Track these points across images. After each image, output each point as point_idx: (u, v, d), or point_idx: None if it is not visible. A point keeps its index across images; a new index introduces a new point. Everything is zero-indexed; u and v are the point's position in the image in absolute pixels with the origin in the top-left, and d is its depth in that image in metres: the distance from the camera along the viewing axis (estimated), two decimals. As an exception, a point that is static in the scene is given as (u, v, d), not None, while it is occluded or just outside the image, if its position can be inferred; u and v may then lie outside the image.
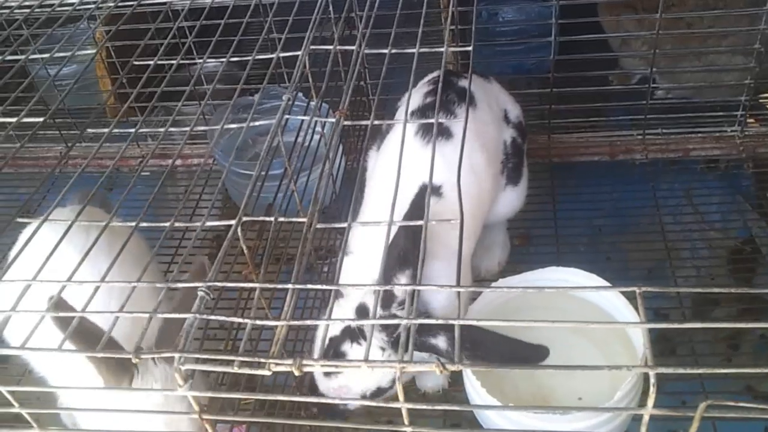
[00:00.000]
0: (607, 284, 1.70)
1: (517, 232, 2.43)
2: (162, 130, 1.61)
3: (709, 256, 2.46)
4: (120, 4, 2.06)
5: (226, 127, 1.56)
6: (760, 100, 2.78)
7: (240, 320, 1.04)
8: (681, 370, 0.88)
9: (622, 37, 2.73)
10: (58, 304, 1.18)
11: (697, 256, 2.45)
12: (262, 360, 0.97)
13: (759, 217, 2.56)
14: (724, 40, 2.51)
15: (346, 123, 1.48)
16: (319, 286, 1.04)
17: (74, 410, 1.44)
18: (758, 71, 2.37)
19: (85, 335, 1.20)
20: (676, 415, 0.89)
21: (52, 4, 2.06)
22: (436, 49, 1.65)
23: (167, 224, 1.29)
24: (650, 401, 0.90)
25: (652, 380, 0.89)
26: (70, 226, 1.32)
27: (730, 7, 2.43)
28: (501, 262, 2.27)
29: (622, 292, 1.69)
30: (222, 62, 1.85)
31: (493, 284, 1.81)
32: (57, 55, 1.79)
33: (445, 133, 1.82)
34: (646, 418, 0.92)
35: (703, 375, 1.92)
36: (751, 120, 2.72)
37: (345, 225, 1.22)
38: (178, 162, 2.84)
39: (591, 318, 1.73)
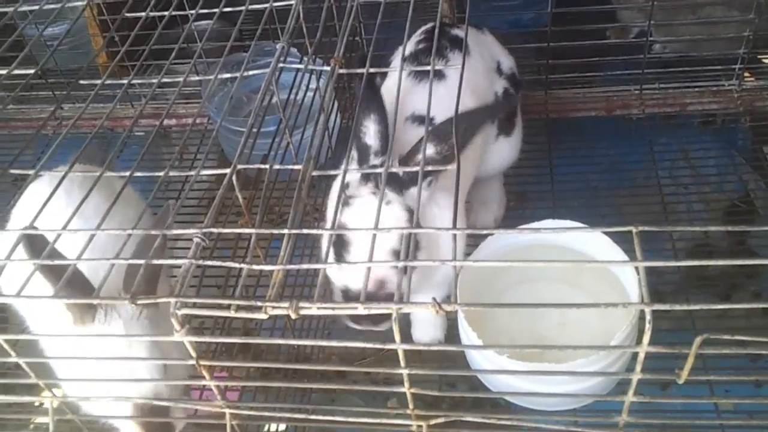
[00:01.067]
0: (602, 235, 1.70)
1: (513, 188, 2.42)
2: (153, 86, 1.59)
3: (705, 211, 2.47)
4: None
5: (219, 82, 1.55)
6: (758, 55, 2.76)
7: (236, 265, 1.04)
8: (677, 307, 0.88)
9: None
10: (50, 253, 1.18)
11: (692, 210, 2.45)
12: (259, 303, 0.97)
13: (754, 171, 2.55)
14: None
15: (341, 71, 1.47)
16: (315, 231, 1.04)
17: (74, 358, 1.45)
18: (757, 23, 2.34)
19: (70, 282, 1.21)
20: (672, 352, 0.89)
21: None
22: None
23: (161, 173, 1.28)
24: (646, 338, 0.90)
25: (648, 317, 0.90)
26: (63, 177, 1.31)
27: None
28: (497, 218, 2.27)
29: (620, 246, 1.69)
30: (215, 16, 1.81)
31: (489, 238, 1.81)
32: (46, 7, 1.76)
33: (437, 74, 1.82)
34: (641, 355, 0.93)
35: (697, 326, 1.94)
36: (748, 75, 2.70)
37: (340, 172, 1.22)
38: (173, 122, 2.82)
39: (588, 270, 1.74)
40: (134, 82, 1.65)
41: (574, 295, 1.86)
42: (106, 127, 2.84)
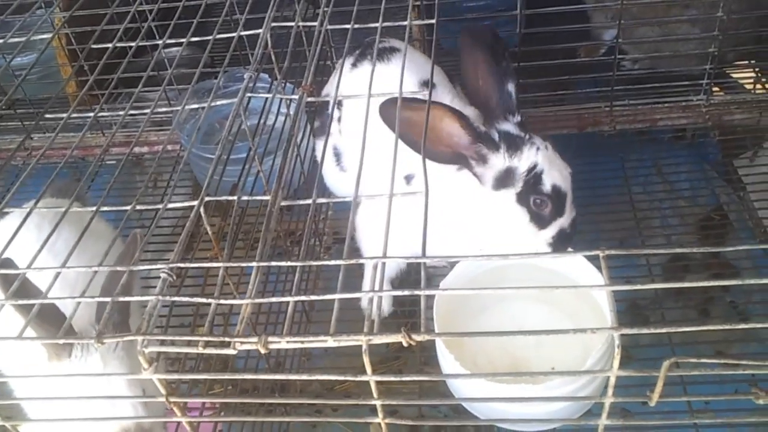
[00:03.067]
0: (575, 254, 1.71)
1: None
2: (123, 115, 1.57)
3: (679, 225, 2.49)
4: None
5: (190, 110, 1.54)
6: (725, 69, 2.80)
7: (204, 301, 1.03)
8: (645, 331, 0.88)
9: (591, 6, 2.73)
10: (19, 289, 1.16)
11: (667, 225, 2.47)
12: (227, 339, 0.96)
13: (726, 185, 2.59)
14: (686, 10, 2.52)
15: (309, 99, 1.47)
16: (283, 263, 1.03)
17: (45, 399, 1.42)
18: (721, 39, 2.38)
19: (43, 317, 1.19)
20: (641, 375, 0.89)
21: (5, -11, 2.01)
22: (399, 23, 1.64)
23: (128, 207, 1.27)
24: (615, 362, 0.90)
25: (617, 341, 0.89)
26: (28, 214, 1.30)
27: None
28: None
29: (595, 264, 1.70)
30: (184, 43, 1.81)
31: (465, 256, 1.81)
32: (12, 40, 1.75)
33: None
34: (612, 379, 0.93)
35: (673, 341, 1.95)
36: (717, 89, 2.74)
37: (309, 201, 1.21)
38: (145, 149, 2.80)
39: (563, 291, 1.74)
40: (104, 110, 1.64)
41: (551, 314, 1.86)
42: (76, 157, 2.82)
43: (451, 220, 1.77)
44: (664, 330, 0.88)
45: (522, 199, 1.70)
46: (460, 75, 1.89)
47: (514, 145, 1.70)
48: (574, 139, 2.62)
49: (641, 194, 2.50)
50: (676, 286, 0.80)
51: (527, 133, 1.74)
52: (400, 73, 1.38)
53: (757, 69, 2.75)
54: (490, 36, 1.78)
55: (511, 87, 1.77)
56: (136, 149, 2.79)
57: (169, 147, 2.74)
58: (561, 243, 1.73)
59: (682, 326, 0.90)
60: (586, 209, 2.45)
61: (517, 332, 0.95)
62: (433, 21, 1.65)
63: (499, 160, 1.70)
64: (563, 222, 1.74)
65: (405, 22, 1.61)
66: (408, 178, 1.80)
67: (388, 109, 1.50)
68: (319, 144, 2.17)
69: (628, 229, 2.33)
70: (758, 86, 2.70)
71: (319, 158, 2.08)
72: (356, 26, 1.65)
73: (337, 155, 2.09)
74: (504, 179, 1.70)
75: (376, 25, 1.61)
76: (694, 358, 0.82)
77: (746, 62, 2.78)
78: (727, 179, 2.59)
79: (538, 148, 1.71)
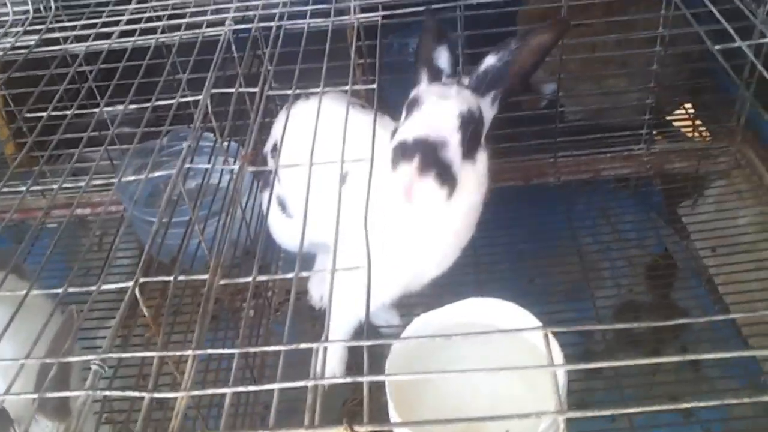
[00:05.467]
0: (526, 312, 1.71)
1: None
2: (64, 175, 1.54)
3: (629, 272, 2.52)
4: (10, 52, 1.97)
5: (134, 169, 1.51)
6: (667, 118, 2.88)
7: (137, 395, 0.98)
8: (589, 414, 0.87)
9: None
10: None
11: (616, 274, 2.50)
12: (160, 437, 0.91)
13: (672, 231, 2.64)
14: (623, 67, 2.60)
15: (250, 169, 1.45)
16: (221, 350, 0.99)
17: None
18: (658, 91, 2.45)
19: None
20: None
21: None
22: (340, 88, 1.64)
23: (60, 290, 1.22)
24: (561, 444, 0.89)
25: (561, 426, 0.88)
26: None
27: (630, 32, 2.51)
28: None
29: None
30: (125, 103, 1.78)
31: (414, 320, 1.79)
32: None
33: None
34: (559, 461, 0.91)
35: (624, 384, 1.95)
36: (659, 137, 2.81)
37: (249, 280, 1.17)
38: (88, 210, 2.72)
39: (515, 349, 1.72)
40: (47, 171, 1.60)
41: (505, 375, 1.85)
42: (16, 220, 2.72)
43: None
44: (606, 412, 0.87)
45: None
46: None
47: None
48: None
49: (590, 243, 2.53)
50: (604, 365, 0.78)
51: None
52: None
53: (694, 118, 2.84)
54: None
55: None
56: (79, 211, 2.72)
57: (113, 208, 2.68)
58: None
59: (627, 407, 0.89)
60: (537, 261, 2.48)
61: (457, 420, 0.93)
62: (374, 85, 1.65)
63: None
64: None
65: (346, 87, 1.62)
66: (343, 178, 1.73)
67: None
68: (264, 197, 2.15)
69: (578, 279, 2.35)
70: (696, 134, 2.79)
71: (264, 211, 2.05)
72: (297, 91, 1.65)
73: (282, 203, 2.07)
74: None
75: (317, 90, 1.61)
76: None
77: (683, 112, 2.87)
78: (672, 226, 2.65)
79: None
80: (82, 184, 2.63)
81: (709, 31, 1.80)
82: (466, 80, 1.68)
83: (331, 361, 1.99)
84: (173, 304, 1.32)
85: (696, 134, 2.78)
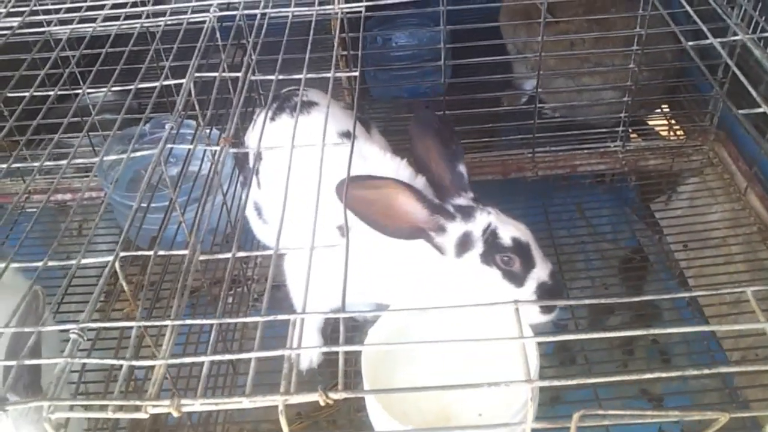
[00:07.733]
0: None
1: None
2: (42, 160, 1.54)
3: (602, 267, 2.57)
4: (-7, 33, 1.96)
5: (110, 158, 1.52)
6: (643, 117, 2.94)
7: (115, 362, 1.00)
8: (556, 383, 0.90)
9: (514, 54, 2.84)
10: None
11: (591, 267, 2.55)
12: (138, 403, 0.93)
13: (645, 227, 2.69)
14: (598, 65, 2.65)
15: (231, 150, 1.46)
16: (198, 321, 1.01)
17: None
18: (634, 89, 2.50)
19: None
20: (554, 427, 0.91)
21: None
22: (323, 75, 1.66)
23: (40, 264, 1.23)
24: (529, 416, 0.92)
25: (530, 394, 0.91)
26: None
27: (608, 29, 2.56)
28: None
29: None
30: (107, 89, 1.78)
31: (391, 307, 1.82)
32: None
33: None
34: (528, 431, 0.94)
35: (596, 383, 1.99)
36: (635, 135, 2.87)
37: (229, 255, 1.19)
38: (68, 196, 2.72)
39: (488, 332, 1.76)
40: (27, 156, 1.60)
41: (479, 361, 1.88)
42: (-5, 203, 2.72)
43: (417, 285, 1.80)
44: (573, 381, 0.90)
45: (486, 258, 1.71)
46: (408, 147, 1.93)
47: (467, 212, 1.73)
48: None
49: (566, 237, 2.57)
50: (569, 338, 0.82)
51: (478, 203, 1.79)
52: (323, 125, 1.39)
53: (669, 117, 2.90)
54: (437, 122, 1.82)
55: (461, 168, 1.80)
56: (59, 196, 2.72)
57: (94, 194, 2.68)
58: (547, 298, 1.73)
59: (599, 376, 0.92)
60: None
61: (431, 387, 0.96)
62: (356, 73, 1.67)
63: (456, 228, 1.72)
64: (540, 274, 1.73)
65: (329, 74, 1.64)
66: (341, 229, 1.80)
67: (341, 189, 1.40)
68: (245, 195, 2.19)
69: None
70: (671, 133, 2.84)
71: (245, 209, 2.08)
72: (281, 77, 1.67)
73: (258, 209, 2.10)
74: (464, 244, 1.72)
75: (301, 76, 1.63)
76: (612, 408, 0.84)
77: (659, 111, 2.93)
78: (645, 221, 2.70)
79: (489, 212, 1.75)
80: (63, 169, 2.66)
81: (685, 31, 1.85)
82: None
83: (306, 352, 2.02)
84: (152, 282, 1.33)
85: (671, 133, 2.84)
